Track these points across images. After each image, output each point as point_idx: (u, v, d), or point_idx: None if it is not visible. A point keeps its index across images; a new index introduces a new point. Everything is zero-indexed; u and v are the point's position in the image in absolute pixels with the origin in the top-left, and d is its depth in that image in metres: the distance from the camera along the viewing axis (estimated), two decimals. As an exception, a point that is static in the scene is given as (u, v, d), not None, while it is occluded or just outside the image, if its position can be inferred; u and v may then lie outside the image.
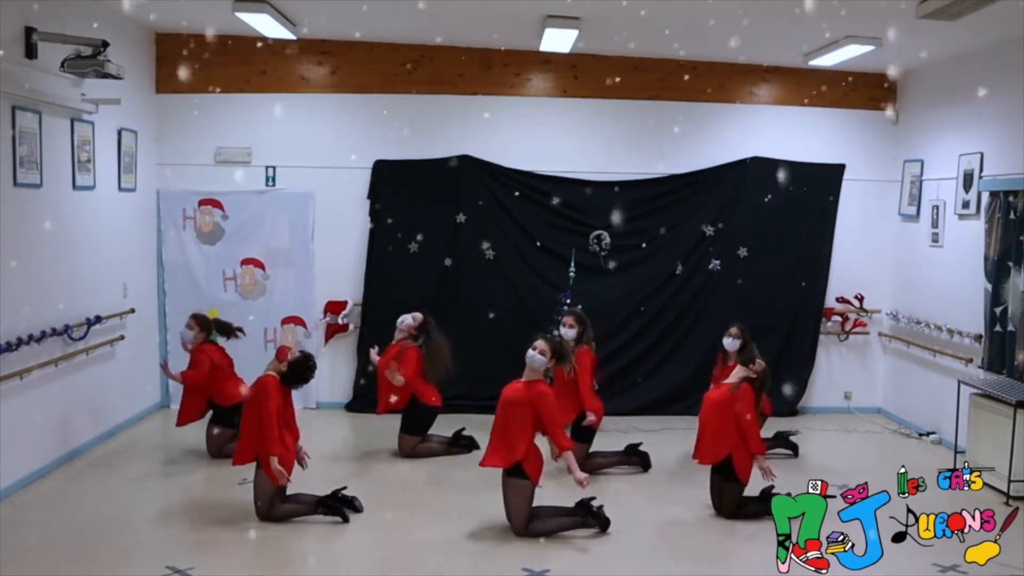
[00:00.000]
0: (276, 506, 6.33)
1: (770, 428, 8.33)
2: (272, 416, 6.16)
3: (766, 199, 9.89)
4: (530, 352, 6.21)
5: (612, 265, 9.86)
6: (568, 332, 7.65)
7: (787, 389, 9.99)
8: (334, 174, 9.69)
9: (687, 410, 9.19)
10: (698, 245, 9.95)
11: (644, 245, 9.92)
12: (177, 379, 7.82)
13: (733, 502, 6.62)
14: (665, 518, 6.66)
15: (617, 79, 9.77)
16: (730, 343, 7.83)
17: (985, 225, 8.16)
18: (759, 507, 6.50)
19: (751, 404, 6.61)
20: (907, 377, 9.76)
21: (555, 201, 9.78)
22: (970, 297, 8.39)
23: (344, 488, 6.57)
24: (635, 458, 7.83)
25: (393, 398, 8.00)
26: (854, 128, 10.07)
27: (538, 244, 9.83)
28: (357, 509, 6.51)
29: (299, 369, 6.42)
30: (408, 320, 8.18)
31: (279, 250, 9.74)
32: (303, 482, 6.82)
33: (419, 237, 9.72)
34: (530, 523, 6.15)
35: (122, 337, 8.53)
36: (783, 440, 8.43)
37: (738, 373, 6.78)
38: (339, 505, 6.43)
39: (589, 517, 6.29)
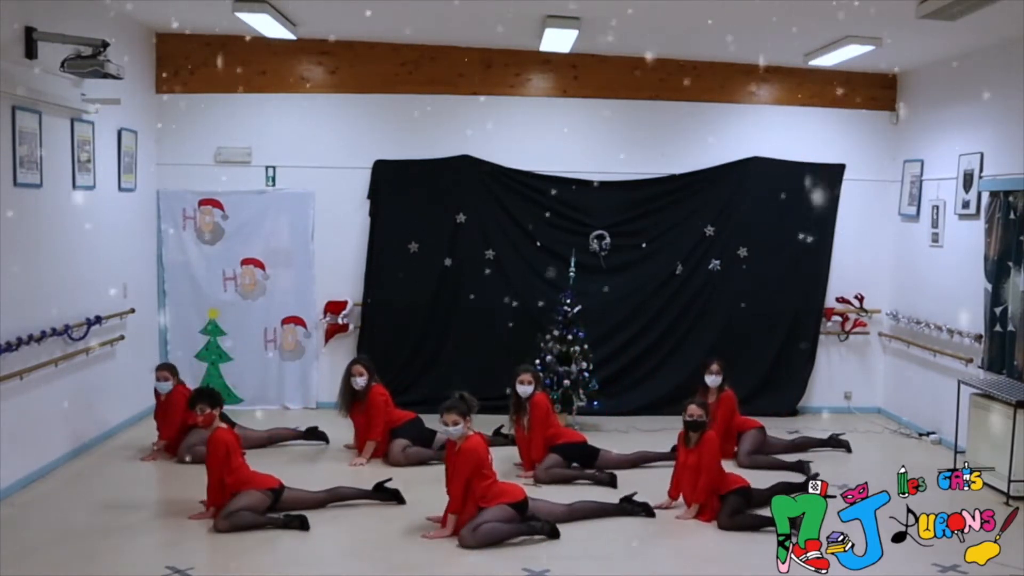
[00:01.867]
0: (235, 516, 6.23)
1: (777, 428, 8.41)
2: (214, 473, 6.34)
3: (766, 199, 9.89)
4: (447, 431, 6.27)
5: (612, 265, 9.86)
6: (525, 389, 7.64)
7: (787, 389, 10.02)
8: (334, 174, 9.70)
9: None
10: (698, 245, 9.95)
11: (644, 245, 9.92)
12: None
13: (731, 510, 6.57)
14: (665, 518, 6.65)
15: (617, 79, 9.78)
16: (712, 380, 8.11)
17: (985, 225, 8.16)
18: (756, 519, 6.49)
19: (716, 451, 6.74)
20: (907, 377, 9.75)
21: (555, 201, 9.79)
22: (970, 297, 8.39)
23: (389, 480, 6.81)
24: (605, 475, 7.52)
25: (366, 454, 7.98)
26: (854, 128, 10.07)
27: (538, 244, 9.83)
28: (401, 501, 6.75)
29: (201, 395, 6.58)
30: (361, 382, 7.97)
31: (279, 250, 9.74)
32: (304, 480, 6.85)
33: (419, 237, 9.72)
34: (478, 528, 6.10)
35: (122, 337, 8.53)
36: (835, 441, 8.57)
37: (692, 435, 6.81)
38: (383, 497, 6.75)
39: (635, 508, 6.66)
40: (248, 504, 6.27)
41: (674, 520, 6.63)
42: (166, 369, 7.97)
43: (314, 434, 8.42)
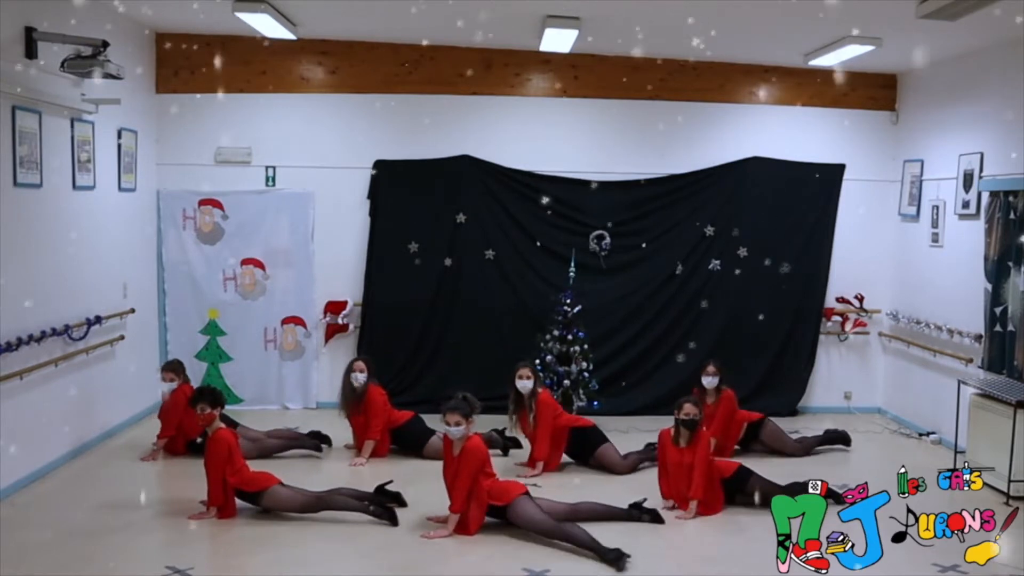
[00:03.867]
0: (323, 499, 6.48)
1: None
2: (215, 473, 6.36)
3: (766, 199, 9.90)
4: (449, 430, 6.25)
5: (612, 265, 9.86)
6: (524, 384, 7.68)
7: (787, 389, 10.02)
8: (334, 174, 9.70)
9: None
10: (698, 245, 9.95)
11: (644, 245, 9.92)
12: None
13: (766, 487, 6.70)
14: (665, 518, 6.64)
15: (617, 79, 9.78)
16: (708, 381, 8.12)
17: (985, 225, 8.16)
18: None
19: (708, 447, 6.83)
20: (907, 377, 9.76)
21: (555, 201, 9.79)
22: (970, 297, 8.39)
23: (390, 482, 6.72)
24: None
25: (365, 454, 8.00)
26: (854, 128, 10.07)
27: (538, 244, 9.83)
28: (402, 503, 6.66)
29: (203, 394, 6.53)
30: (361, 378, 8.00)
31: (279, 250, 9.74)
32: (303, 481, 6.84)
33: (419, 237, 9.72)
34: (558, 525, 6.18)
35: (122, 337, 8.53)
36: (834, 435, 8.63)
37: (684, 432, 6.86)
38: (384, 500, 6.61)
39: (643, 514, 6.52)
40: (289, 499, 6.39)
41: (673, 520, 6.61)
42: (170, 370, 7.97)
43: (317, 437, 8.37)
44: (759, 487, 6.74)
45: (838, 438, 8.63)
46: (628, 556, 5.82)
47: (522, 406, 7.73)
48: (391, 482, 6.78)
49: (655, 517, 6.56)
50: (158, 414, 8.11)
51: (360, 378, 7.97)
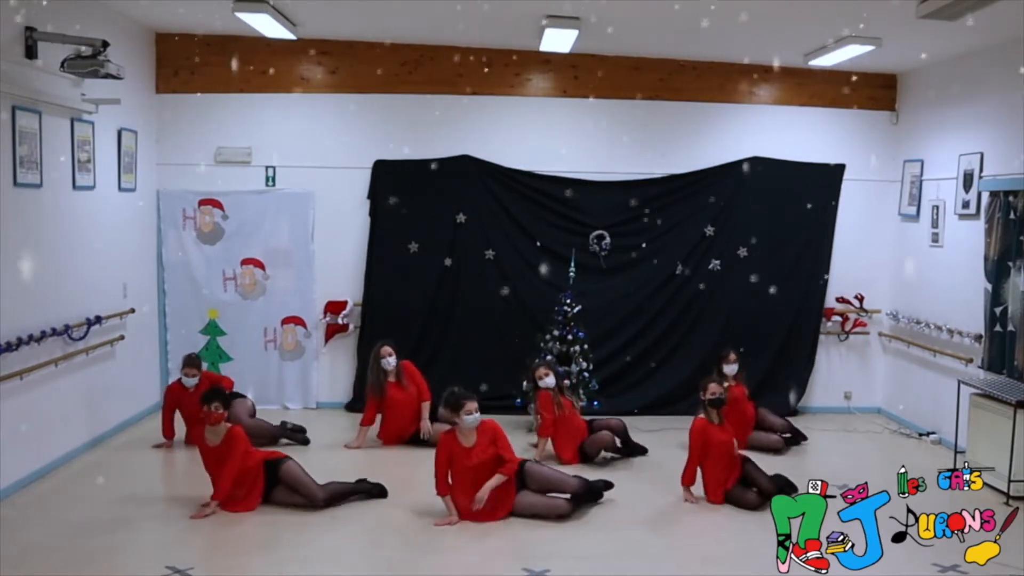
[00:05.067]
0: (328, 495, 6.69)
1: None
2: (232, 466, 6.54)
3: (766, 199, 9.89)
4: (467, 419, 6.40)
5: (612, 265, 9.86)
6: (548, 380, 8.01)
7: (787, 389, 10.01)
8: (334, 174, 9.69)
9: (688, 410, 9.13)
10: (698, 245, 9.95)
11: (644, 245, 9.92)
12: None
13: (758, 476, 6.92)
14: (665, 518, 6.64)
15: (617, 79, 9.78)
16: (730, 369, 8.37)
17: (985, 225, 8.16)
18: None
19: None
20: (907, 377, 9.76)
21: (555, 201, 9.79)
22: (970, 297, 8.39)
23: (364, 479, 7.00)
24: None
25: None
26: (854, 128, 10.07)
27: (538, 244, 9.83)
28: (383, 494, 6.91)
29: (216, 394, 6.71)
30: (392, 361, 8.33)
31: (279, 250, 9.74)
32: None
33: (419, 237, 9.72)
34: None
35: (122, 337, 8.53)
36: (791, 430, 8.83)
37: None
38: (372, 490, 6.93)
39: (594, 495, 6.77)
40: (306, 480, 6.64)
41: (673, 520, 6.62)
42: (193, 365, 8.09)
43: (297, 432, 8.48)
44: (752, 472, 6.94)
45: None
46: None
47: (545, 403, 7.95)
48: (365, 479, 7.00)
49: (607, 484, 6.84)
50: (173, 407, 8.14)
51: (391, 361, 8.28)
